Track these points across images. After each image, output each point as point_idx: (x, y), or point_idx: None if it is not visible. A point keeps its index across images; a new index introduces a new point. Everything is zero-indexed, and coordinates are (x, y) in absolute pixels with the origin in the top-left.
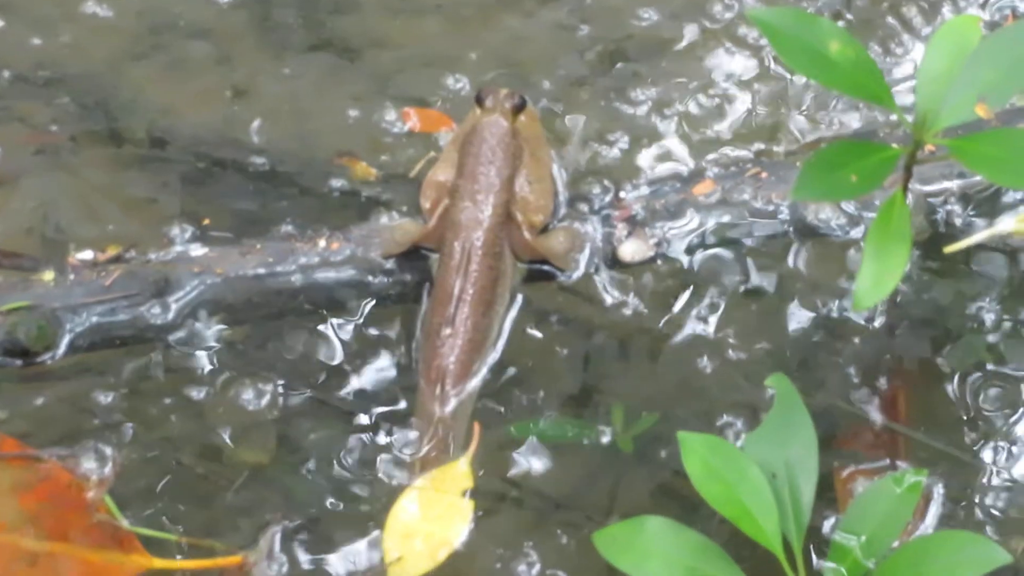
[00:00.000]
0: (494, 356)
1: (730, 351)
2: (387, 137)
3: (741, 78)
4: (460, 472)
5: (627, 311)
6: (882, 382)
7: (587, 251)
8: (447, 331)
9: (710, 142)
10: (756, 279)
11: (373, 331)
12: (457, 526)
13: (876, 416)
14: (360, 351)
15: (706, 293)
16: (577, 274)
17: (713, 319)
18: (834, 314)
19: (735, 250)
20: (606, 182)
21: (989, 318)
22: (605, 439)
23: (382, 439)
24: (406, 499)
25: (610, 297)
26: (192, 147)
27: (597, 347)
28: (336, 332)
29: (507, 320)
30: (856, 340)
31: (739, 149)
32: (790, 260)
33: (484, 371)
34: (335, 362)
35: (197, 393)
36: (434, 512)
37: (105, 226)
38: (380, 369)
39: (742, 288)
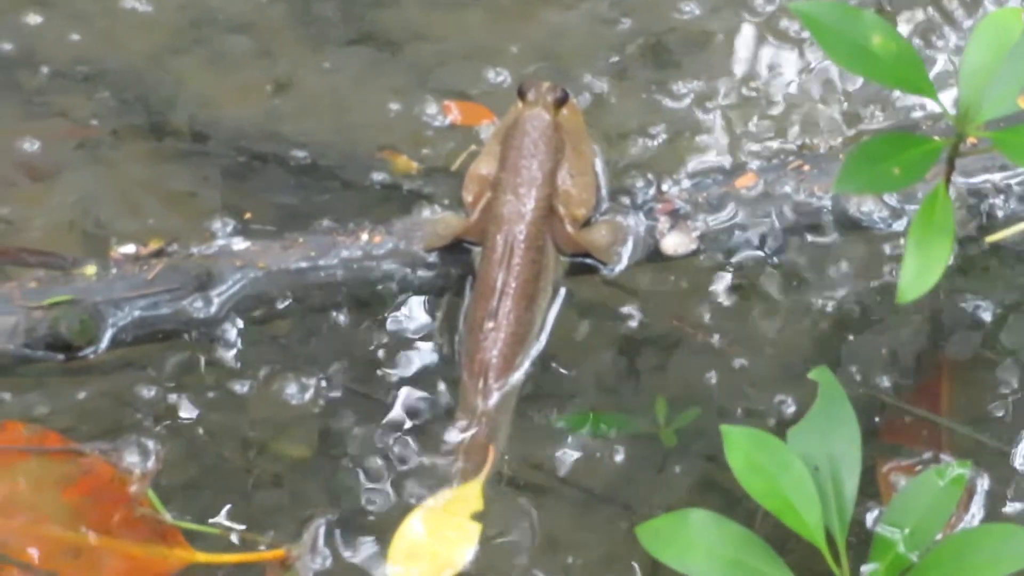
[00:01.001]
0: (537, 349)
1: (773, 342)
2: (428, 130)
3: (782, 71)
4: (470, 494)
5: (668, 304)
6: (925, 375)
7: (629, 244)
8: (490, 325)
9: (752, 135)
10: (799, 271)
11: (415, 325)
12: (463, 548)
13: (919, 409)
14: (402, 345)
15: (747, 285)
16: (619, 267)
17: (755, 311)
18: (876, 306)
19: (778, 243)
20: (648, 175)
21: None
22: (648, 432)
23: (425, 432)
24: (413, 518)
25: (652, 290)
26: (233, 141)
27: (638, 340)
28: (378, 326)
29: (550, 313)
30: (898, 333)
31: (781, 142)
32: (832, 252)
33: (527, 364)
34: (377, 356)
35: (240, 387)
36: (441, 533)
37: (146, 220)
38: (422, 363)
39: (784, 281)
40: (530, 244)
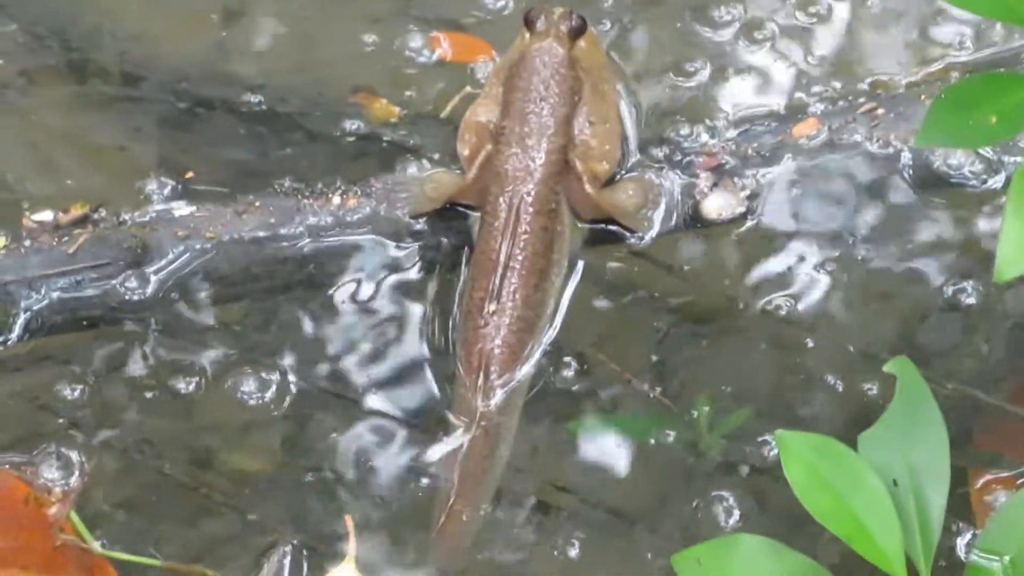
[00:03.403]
0: (549, 337)
1: (839, 330)
2: (412, 68)
3: None
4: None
5: (710, 281)
6: None
7: (663, 207)
8: (491, 307)
9: (812, 71)
10: (869, 241)
11: (400, 308)
12: None
13: (1021, 408)
14: (384, 333)
15: (806, 257)
16: (651, 235)
17: (815, 290)
18: (968, 284)
19: (844, 205)
20: (686, 123)
21: None
22: (686, 437)
23: (412, 440)
24: None
25: (690, 264)
26: (172, 83)
27: (674, 326)
28: (354, 310)
29: (564, 293)
30: (996, 316)
31: (849, 80)
32: (912, 216)
33: (537, 356)
34: (353, 346)
35: (185, 386)
36: None
37: (65, 180)
38: (408, 355)
39: (852, 251)
40: (540, 208)
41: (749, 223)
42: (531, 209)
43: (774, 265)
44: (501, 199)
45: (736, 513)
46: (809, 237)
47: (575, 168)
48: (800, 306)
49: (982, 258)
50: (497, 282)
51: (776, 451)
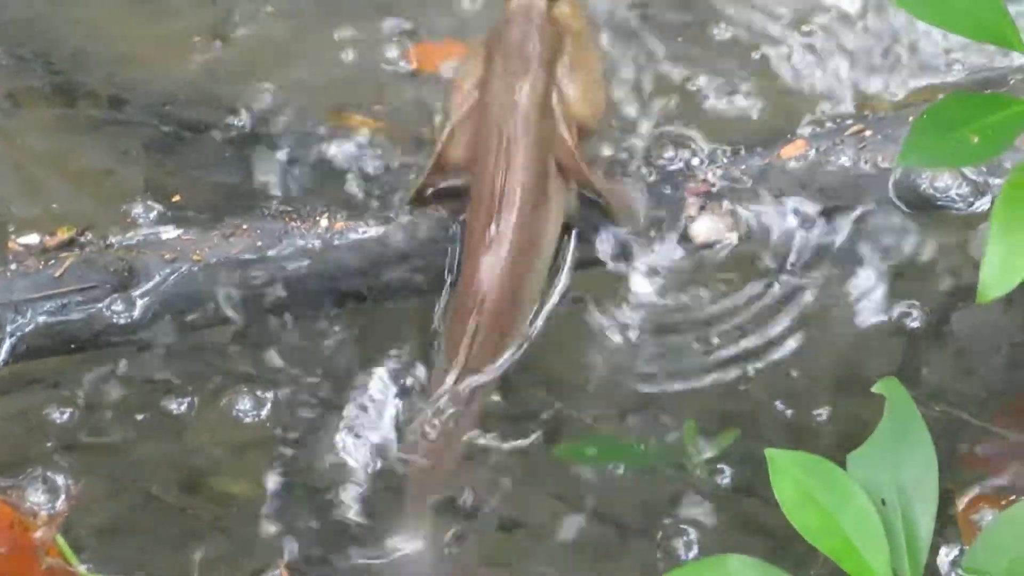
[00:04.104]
0: (522, 350)
1: (827, 349)
2: (391, 81)
3: (841, 13)
4: None
5: (695, 302)
6: (1016, 388)
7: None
8: (492, 231)
9: (801, 93)
10: (858, 260)
11: (392, 325)
12: None
13: (1007, 429)
14: (377, 350)
15: (791, 278)
16: (636, 231)
17: (800, 309)
18: (953, 305)
19: (833, 225)
20: (672, 144)
21: None
22: (674, 460)
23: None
24: None
25: (672, 285)
26: (157, 106)
27: (659, 345)
28: (346, 329)
29: (547, 304)
30: (981, 337)
31: (836, 102)
32: (900, 238)
33: (510, 353)
34: (345, 367)
35: (176, 406)
36: None
37: (52, 203)
38: (405, 371)
39: (837, 272)
40: (531, 139)
41: (733, 247)
42: (522, 138)
43: (749, 289)
44: (491, 138)
45: (725, 532)
46: (793, 256)
47: (556, 117)
48: (783, 326)
49: (967, 279)
50: (497, 206)
51: (729, 480)
